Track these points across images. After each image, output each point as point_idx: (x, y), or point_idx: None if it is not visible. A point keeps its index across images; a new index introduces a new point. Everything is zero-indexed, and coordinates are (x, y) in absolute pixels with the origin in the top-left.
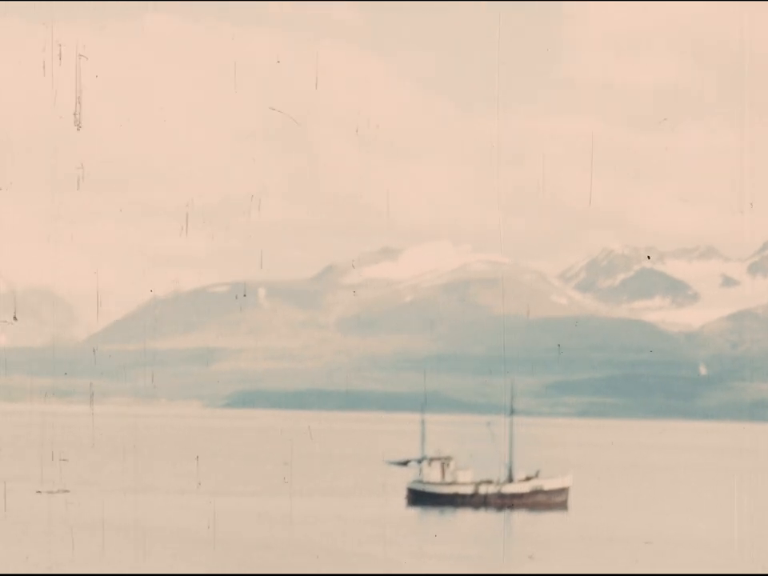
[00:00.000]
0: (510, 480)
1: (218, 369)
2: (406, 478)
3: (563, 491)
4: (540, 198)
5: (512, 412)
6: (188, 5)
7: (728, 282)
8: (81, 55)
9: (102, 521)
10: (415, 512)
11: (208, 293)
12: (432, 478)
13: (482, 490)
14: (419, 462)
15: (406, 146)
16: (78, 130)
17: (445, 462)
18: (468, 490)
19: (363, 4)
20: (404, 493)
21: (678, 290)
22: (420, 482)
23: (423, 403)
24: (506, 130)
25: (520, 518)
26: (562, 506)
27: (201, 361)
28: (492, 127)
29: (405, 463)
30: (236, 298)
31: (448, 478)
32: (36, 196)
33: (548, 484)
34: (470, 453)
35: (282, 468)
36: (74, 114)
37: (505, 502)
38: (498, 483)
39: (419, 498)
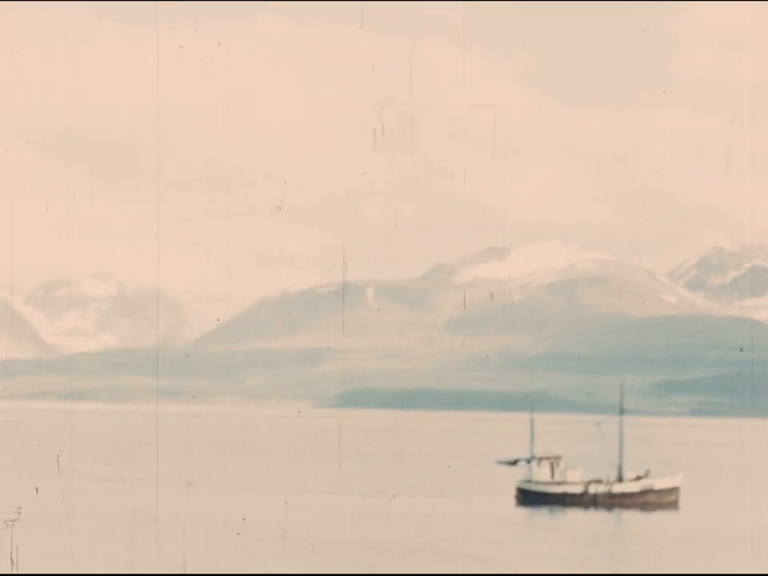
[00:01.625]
0: (620, 479)
1: (326, 369)
2: (515, 477)
3: (674, 491)
4: (649, 196)
5: (622, 411)
6: (292, 5)
7: None
8: (181, 46)
9: (225, 519)
10: (524, 511)
11: (316, 293)
12: (541, 477)
13: (592, 489)
14: (528, 461)
15: (513, 146)
16: (186, 132)
17: (554, 461)
18: (578, 489)
19: (464, 4)
20: (513, 492)
21: None
22: (529, 481)
23: (532, 403)
24: (614, 127)
25: (630, 517)
26: (673, 505)
27: (309, 361)
28: (599, 125)
29: (514, 463)
30: (344, 298)
31: (557, 478)
32: (145, 198)
33: (658, 483)
34: (580, 452)
35: (391, 467)
36: (182, 118)
37: (615, 502)
38: (607, 483)
39: (529, 497)
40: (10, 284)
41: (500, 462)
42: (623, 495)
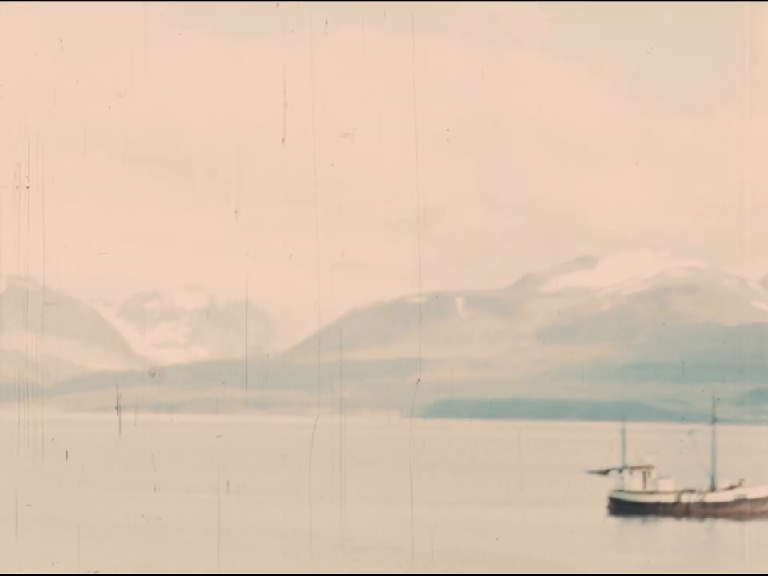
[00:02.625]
0: (713, 489)
1: (416, 379)
2: (607, 487)
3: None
4: (740, 202)
5: (714, 420)
6: (377, 15)
7: None
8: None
9: (311, 531)
10: (616, 521)
11: (406, 303)
12: (633, 486)
13: (685, 498)
14: (620, 471)
15: (601, 152)
16: (282, 143)
17: (646, 470)
18: (670, 498)
19: (549, 10)
20: (605, 502)
21: None
22: (621, 491)
23: (623, 412)
24: (703, 133)
25: (723, 527)
26: (767, 515)
27: (400, 371)
28: (690, 131)
29: (606, 472)
30: (434, 308)
31: (649, 487)
32: (237, 208)
33: (752, 493)
34: (672, 461)
35: (480, 477)
36: (282, 131)
37: (708, 511)
38: (700, 492)
39: (621, 507)
40: (103, 297)
41: (591, 472)
42: (716, 505)
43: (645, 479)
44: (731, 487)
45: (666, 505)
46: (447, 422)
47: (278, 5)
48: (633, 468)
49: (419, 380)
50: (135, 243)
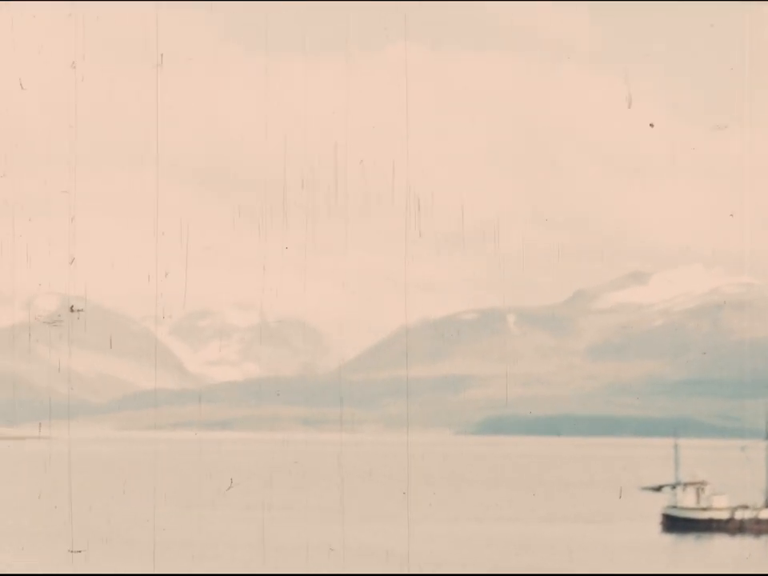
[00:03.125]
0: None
1: (468, 396)
2: (660, 503)
3: None
4: None
5: None
6: (423, 33)
7: None
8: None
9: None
10: (670, 538)
11: (458, 320)
12: (687, 503)
13: (739, 515)
14: (673, 487)
15: (653, 167)
16: (324, 162)
17: (700, 487)
18: (724, 515)
19: (599, 24)
20: (659, 519)
21: None
22: (675, 507)
23: (676, 428)
24: (756, 147)
25: None
26: None
27: (451, 388)
28: (740, 145)
29: (659, 489)
30: (485, 324)
31: (703, 504)
32: (284, 226)
33: None
34: (725, 478)
35: (531, 494)
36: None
37: (762, 528)
38: (754, 508)
39: (674, 523)
40: (155, 315)
41: (645, 488)
42: None
43: (698, 495)
44: None
45: (719, 521)
46: (499, 438)
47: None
48: (686, 484)
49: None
50: (187, 261)
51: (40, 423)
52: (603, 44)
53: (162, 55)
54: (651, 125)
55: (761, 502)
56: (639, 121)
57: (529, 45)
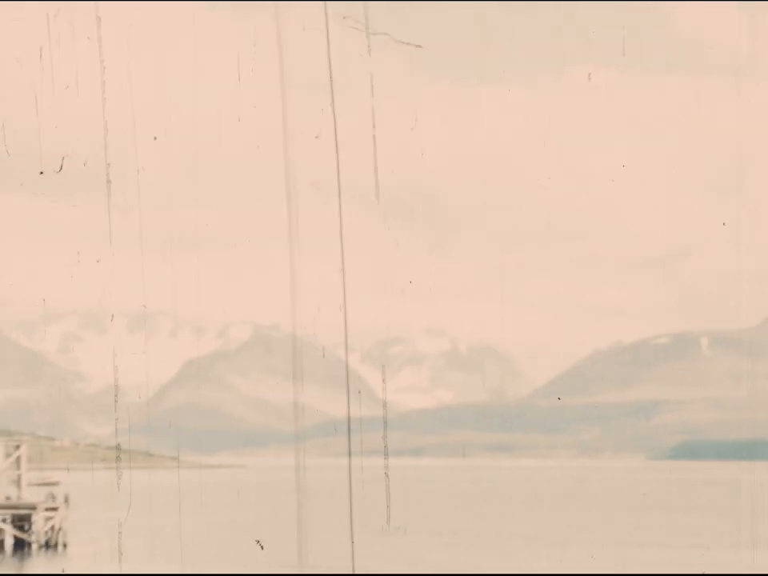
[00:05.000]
0: None
1: (660, 421)
2: None
3: None
4: None
5: None
6: (612, 56)
7: None
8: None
9: None
10: None
11: (649, 344)
12: None
13: None
14: None
15: None
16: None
17: None
18: None
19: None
20: None
21: None
22: None
23: None
24: None
25: None
26: None
27: (643, 413)
28: None
29: None
30: (678, 348)
31: None
32: (475, 253)
33: None
34: None
35: (730, 520)
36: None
37: None
38: None
39: None
40: (345, 343)
41: None
42: None
43: None
44: None
45: None
46: (693, 463)
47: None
48: None
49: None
50: (377, 290)
51: (233, 451)
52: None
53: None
54: None
55: None
56: None
57: (715, 63)
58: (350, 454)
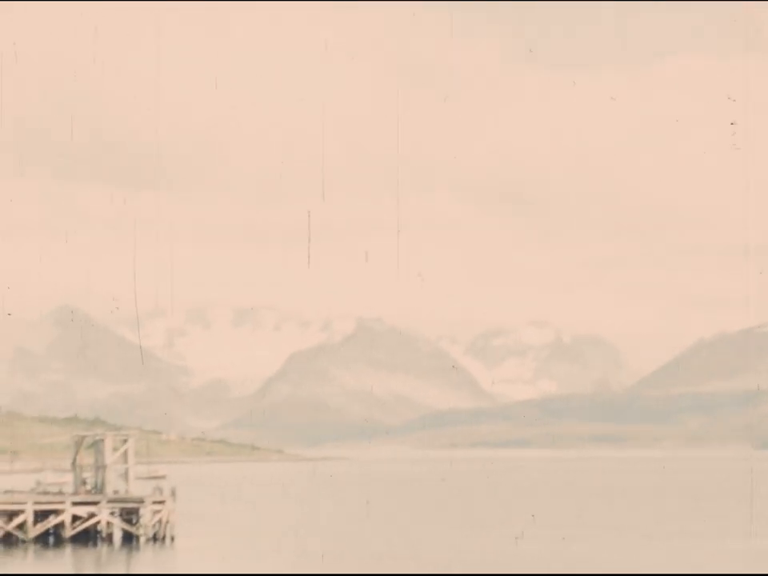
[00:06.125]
0: None
1: (767, 410)
2: None
3: None
4: None
5: None
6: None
7: None
8: (612, 96)
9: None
10: None
11: (755, 333)
12: None
13: None
14: None
15: None
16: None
17: None
18: None
19: None
20: None
21: None
22: None
23: None
24: None
25: None
26: None
27: (749, 402)
28: None
29: None
30: None
31: None
32: (575, 244)
33: None
34: None
35: None
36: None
37: None
38: None
39: None
40: (450, 335)
41: None
42: None
43: None
44: None
45: None
46: None
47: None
48: None
49: None
50: (481, 282)
51: (337, 444)
52: None
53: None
54: None
55: None
56: None
57: None
58: None
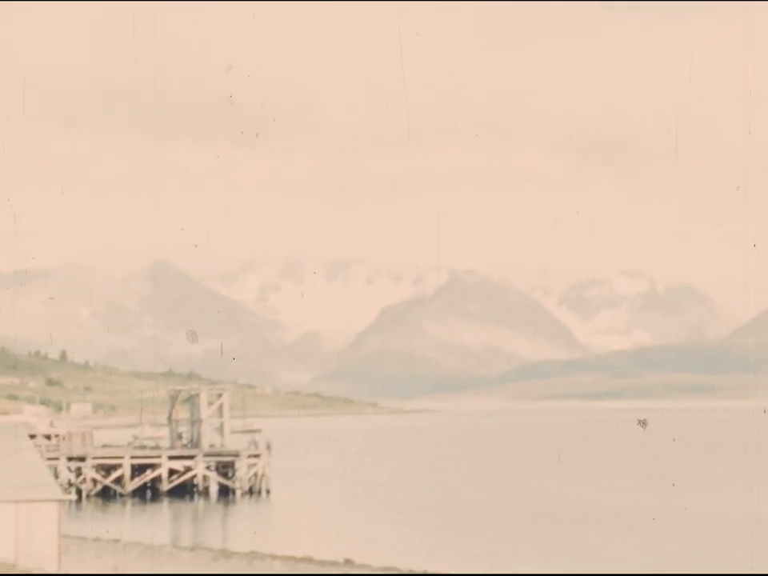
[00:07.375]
0: None
1: None
2: None
3: None
4: None
5: None
6: None
7: None
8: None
9: None
10: None
11: None
12: None
13: None
14: None
15: None
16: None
17: None
18: None
19: None
20: None
21: None
22: None
23: None
24: None
25: None
26: None
27: None
28: None
29: None
30: None
31: None
32: (666, 191)
33: None
34: None
35: None
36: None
37: None
38: None
39: None
40: (544, 286)
41: None
42: None
43: None
44: None
45: None
46: None
47: None
48: None
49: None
50: (575, 232)
51: (430, 397)
52: None
53: None
54: None
55: None
56: None
57: None
58: None
